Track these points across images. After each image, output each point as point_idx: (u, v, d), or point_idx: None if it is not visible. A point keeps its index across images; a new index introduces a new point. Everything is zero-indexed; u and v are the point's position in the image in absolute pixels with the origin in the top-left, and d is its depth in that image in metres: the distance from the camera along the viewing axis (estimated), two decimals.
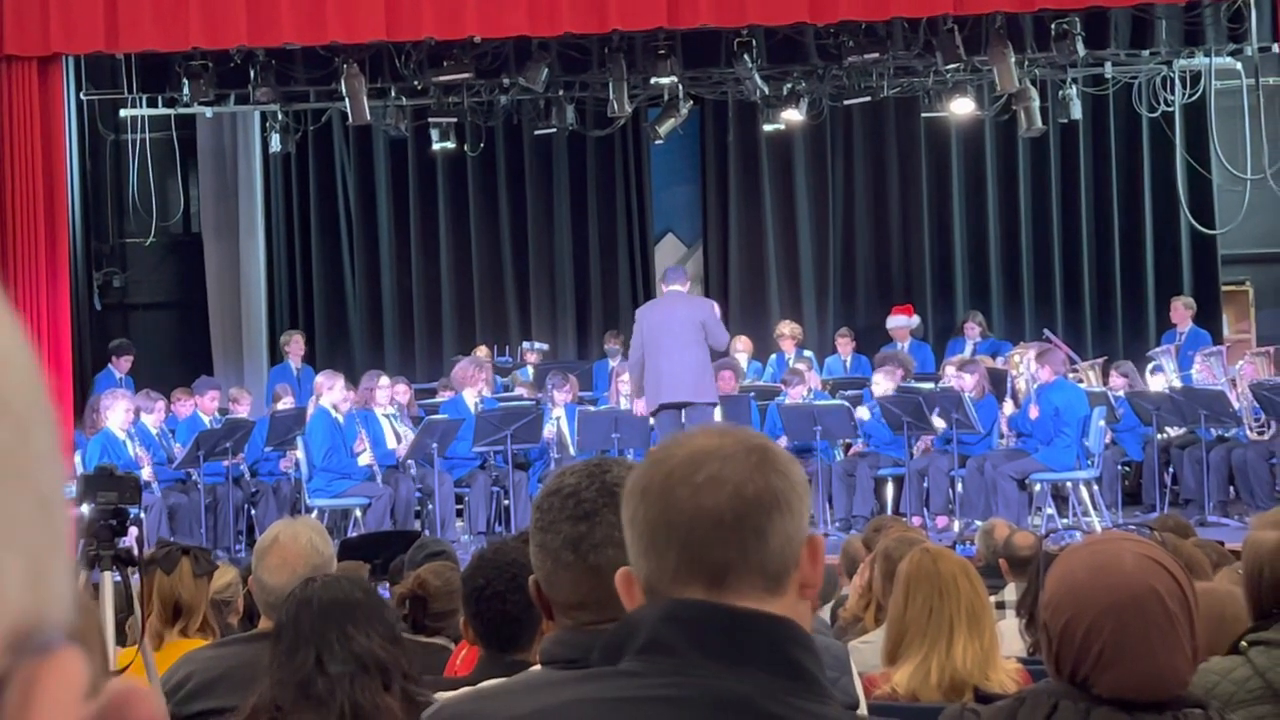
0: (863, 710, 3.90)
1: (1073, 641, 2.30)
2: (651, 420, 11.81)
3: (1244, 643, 3.02)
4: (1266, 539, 3.14)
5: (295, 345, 14.84)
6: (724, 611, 1.58)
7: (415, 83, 14.00)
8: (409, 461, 12.48)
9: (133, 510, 4.21)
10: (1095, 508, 12.08)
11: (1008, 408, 12.66)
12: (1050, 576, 2.37)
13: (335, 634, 3.17)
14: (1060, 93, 14.98)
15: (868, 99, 15.05)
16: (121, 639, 4.34)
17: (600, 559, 2.06)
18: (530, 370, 14.88)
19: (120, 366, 14.30)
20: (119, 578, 4.09)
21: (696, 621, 1.58)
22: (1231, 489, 12.33)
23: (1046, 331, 14.83)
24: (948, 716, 2.64)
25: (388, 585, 6.19)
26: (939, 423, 12.32)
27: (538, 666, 2.01)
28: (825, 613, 6.58)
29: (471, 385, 13.04)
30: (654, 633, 1.58)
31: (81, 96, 14.12)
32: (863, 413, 12.79)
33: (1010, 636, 5.26)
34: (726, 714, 1.53)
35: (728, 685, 1.54)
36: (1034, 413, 12.08)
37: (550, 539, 2.10)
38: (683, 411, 11.35)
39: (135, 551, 4.23)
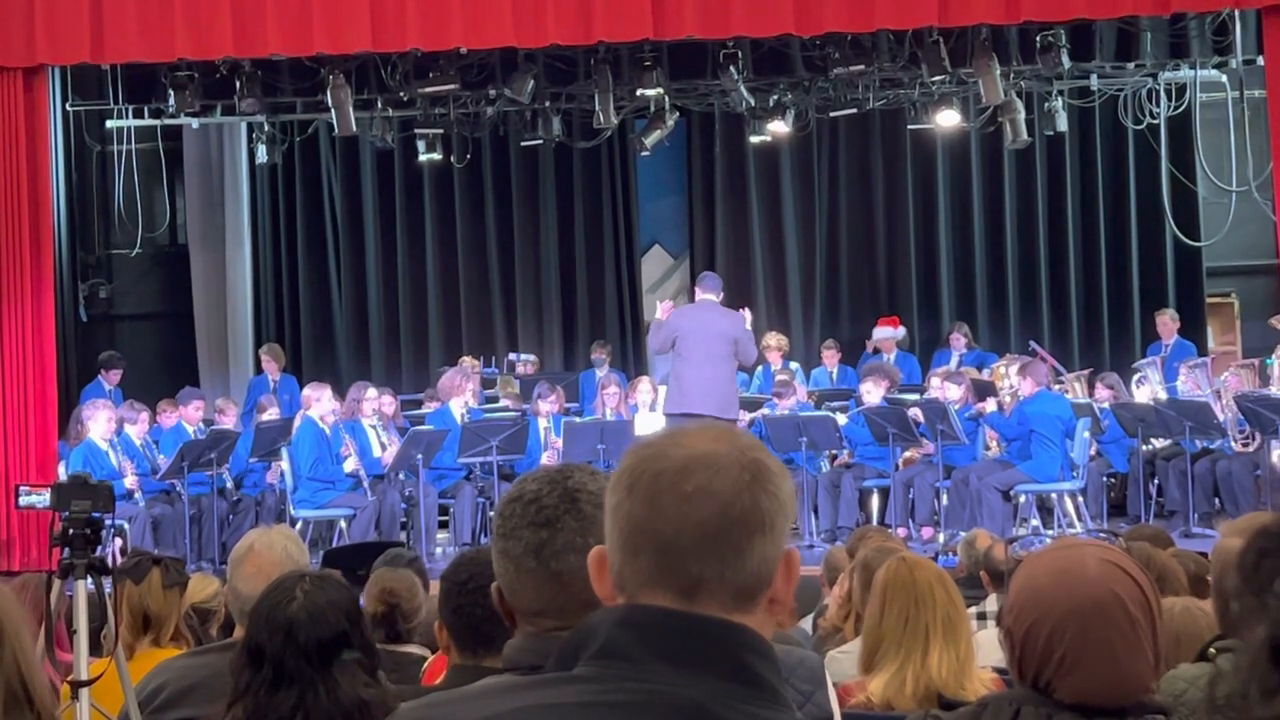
0: None
1: (1035, 646, 2.30)
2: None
3: (1212, 650, 3.02)
4: (1234, 546, 3.13)
5: (268, 364, 14.77)
6: (680, 617, 1.57)
7: (401, 94, 14.00)
8: (394, 473, 12.46)
9: (108, 519, 4.19)
10: (1080, 519, 12.09)
11: (990, 405, 12.62)
12: (1014, 581, 2.37)
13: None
14: (1046, 105, 15.01)
15: (854, 111, 15.06)
16: (96, 649, 4.32)
17: (562, 565, 2.06)
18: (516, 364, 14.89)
19: (110, 379, 14.23)
20: (93, 586, 4.07)
21: (652, 627, 1.57)
22: (1216, 500, 12.33)
23: (1032, 343, 14.84)
24: None
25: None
26: (928, 445, 12.37)
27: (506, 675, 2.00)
28: (806, 623, 6.58)
29: (458, 396, 13.04)
30: (609, 638, 1.57)
31: (68, 107, 14.10)
32: (841, 418, 12.77)
33: (991, 647, 5.24)
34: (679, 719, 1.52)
35: (681, 691, 1.53)
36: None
37: (512, 545, 2.10)
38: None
39: (111, 561, 4.21)
